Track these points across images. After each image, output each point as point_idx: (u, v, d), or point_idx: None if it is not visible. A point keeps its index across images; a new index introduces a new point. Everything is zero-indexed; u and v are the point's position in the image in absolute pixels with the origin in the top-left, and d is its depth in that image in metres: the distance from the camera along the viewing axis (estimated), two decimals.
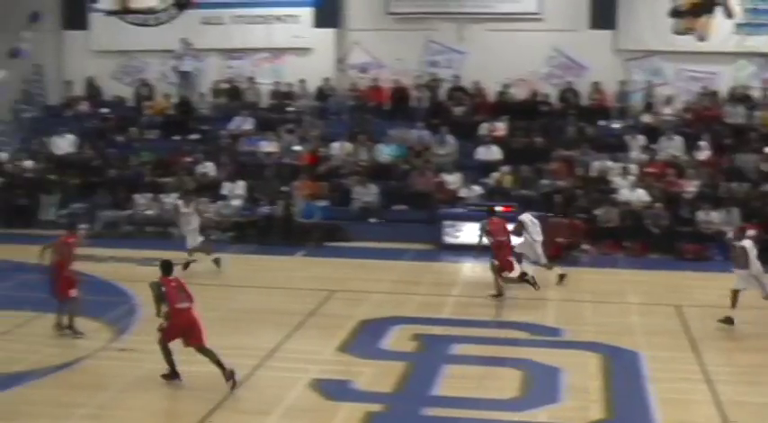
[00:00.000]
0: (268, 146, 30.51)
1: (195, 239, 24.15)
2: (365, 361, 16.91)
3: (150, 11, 31.80)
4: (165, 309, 15.74)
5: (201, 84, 33.86)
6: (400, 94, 32.20)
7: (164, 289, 15.90)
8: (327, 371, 16.43)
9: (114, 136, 32.43)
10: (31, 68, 34.75)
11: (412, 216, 27.76)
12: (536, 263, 22.65)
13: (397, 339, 18.22)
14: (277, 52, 33.57)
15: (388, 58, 32.52)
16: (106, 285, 22.60)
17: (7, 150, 32.71)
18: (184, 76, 33.53)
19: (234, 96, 33.39)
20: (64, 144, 31.97)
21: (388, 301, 21.18)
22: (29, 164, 31.14)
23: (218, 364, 15.47)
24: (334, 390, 15.42)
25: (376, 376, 16.07)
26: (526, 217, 22.68)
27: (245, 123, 31.69)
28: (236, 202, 28.45)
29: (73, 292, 18.70)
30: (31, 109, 34.95)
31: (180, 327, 15.66)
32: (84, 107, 34.07)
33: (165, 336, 15.77)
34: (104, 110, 33.68)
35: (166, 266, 16.40)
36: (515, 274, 21.79)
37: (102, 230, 28.26)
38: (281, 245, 26.45)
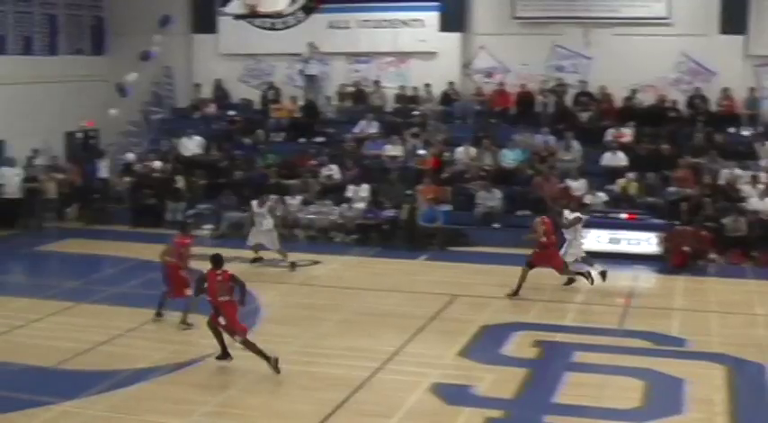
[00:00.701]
0: (392, 149, 30.64)
1: (274, 241, 24.67)
2: (486, 366, 16.91)
3: (278, 15, 32.15)
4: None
5: (327, 87, 34.14)
6: (525, 98, 32.03)
7: (206, 284, 16.77)
8: (448, 375, 16.46)
9: (241, 138, 32.91)
10: (161, 71, 35.52)
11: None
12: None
13: (518, 345, 18.17)
14: (403, 56, 33.69)
15: (514, 62, 32.39)
16: None
17: (136, 151, 33.49)
18: (311, 80, 33.87)
19: (359, 100, 33.63)
20: (191, 145, 32.56)
21: (509, 306, 21.12)
22: (157, 164, 31.79)
23: (224, 348, 16.72)
24: (454, 394, 15.45)
25: (496, 382, 16.06)
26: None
27: (369, 127, 31.88)
28: (360, 206, 28.62)
29: (188, 291, 19.23)
30: (160, 111, 35.73)
31: (230, 316, 16.55)
32: (211, 109, 34.66)
33: (213, 319, 16.73)
34: (231, 112, 34.19)
35: (215, 260, 17.14)
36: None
37: (227, 231, 28.72)
38: (404, 248, 26.55)
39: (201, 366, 16.94)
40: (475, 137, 30.68)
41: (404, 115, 32.52)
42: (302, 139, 32.39)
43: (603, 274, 22.48)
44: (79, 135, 34.98)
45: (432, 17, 33.11)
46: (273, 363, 16.28)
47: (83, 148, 34.91)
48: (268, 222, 24.65)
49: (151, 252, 25.77)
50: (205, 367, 16.90)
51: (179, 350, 17.76)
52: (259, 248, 24.78)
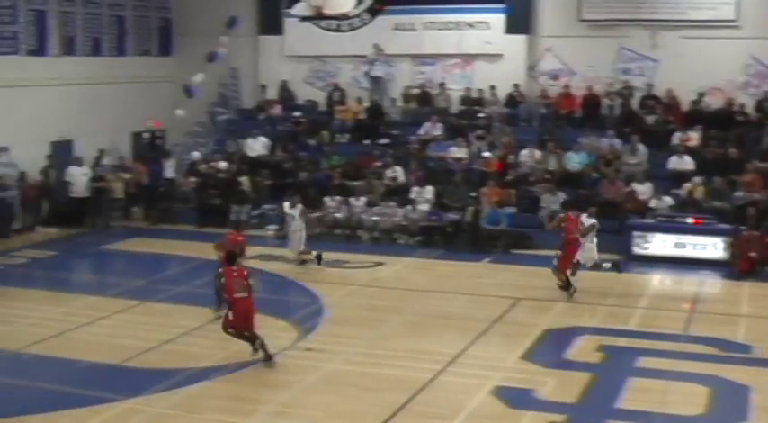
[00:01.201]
0: (457, 151, 30.60)
1: (297, 243, 24.97)
2: (549, 370, 16.84)
3: (344, 16, 32.31)
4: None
5: (392, 89, 34.20)
6: (591, 101, 31.83)
7: (223, 280, 17.08)
8: (510, 379, 16.41)
9: (306, 139, 33.06)
10: (227, 72, 35.79)
11: (601, 225, 27.31)
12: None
13: (581, 349, 18.08)
14: (468, 58, 33.64)
15: (580, 64, 32.21)
16: (294, 285, 23.10)
17: (202, 152, 33.77)
18: (376, 82, 33.95)
19: (424, 102, 33.64)
20: (257, 146, 32.76)
21: (573, 310, 21.00)
22: (223, 165, 32.03)
23: (256, 342, 16.95)
24: (516, 398, 15.41)
25: (559, 386, 16.00)
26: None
27: (434, 129, 31.86)
28: (424, 207, 28.61)
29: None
30: (226, 111, 35.98)
31: (240, 314, 16.83)
32: (277, 111, 34.84)
33: (231, 325, 17.04)
34: (297, 113, 34.34)
35: (229, 257, 17.53)
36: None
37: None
38: (468, 251, 26.51)
39: (265, 366, 17.01)
40: (540, 139, 30.56)
41: (469, 117, 32.47)
42: (367, 141, 32.45)
43: (616, 266, 23.00)
44: (146, 135, 35.36)
45: (497, 19, 33.02)
46: (258, 344, 16.91)
47: (149, 148, 35.28)
48: (297, 224, 24.91)
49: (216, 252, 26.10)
50: (269, 367, 16.98)
51: (242, 349, 17.83)
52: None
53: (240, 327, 17.03)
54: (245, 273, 17.17)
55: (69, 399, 15.43)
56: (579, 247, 22.08)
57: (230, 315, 17.08)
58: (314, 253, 25.04)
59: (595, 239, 22.76)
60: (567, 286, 21.93)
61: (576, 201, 25.68)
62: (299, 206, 25.27)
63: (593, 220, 22.85)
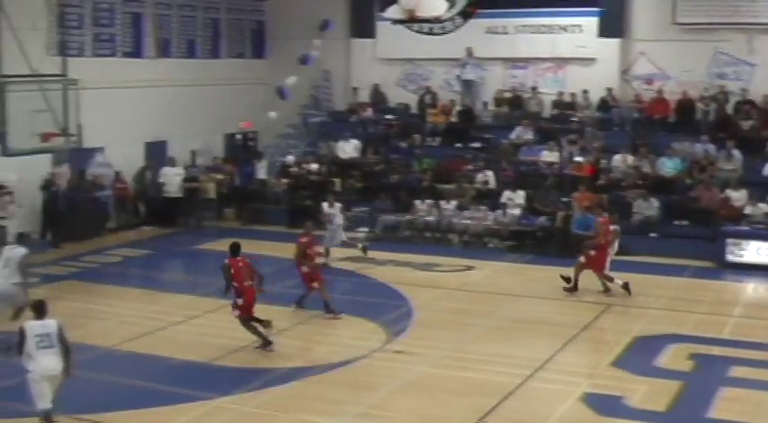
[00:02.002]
0: (549, 156, 30.42)
1: (332, 239, 25.50)
2: (639, 378, 16.66)
3: (436, 20, 32.24)
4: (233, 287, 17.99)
5: (484, 92, 34.13)
6: (685, 106, 31.39)
7: (232, 271, 17.91)
8: (600, 385, 16.28)
9: (397, 142, 33.14)
10: (320, 75, 36.01)
11: (693, 232, 27.02)
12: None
13: (672, 357, 17.86)
14: (561, 62, 33.43)
15: (674, 69, 31.79)
16: (384, 288, 23.16)
17: (294, 153, 34.02)
18: (467, 85, 33.91)
19: (516, 106, 33.50)
20: (348, 148, 32.93)
21: (665, 317, 20.75)
22: (314, 167, 32.24)
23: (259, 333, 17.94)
24: (606, 405, 15.29)
25: (649, 394, 15.83)
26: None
27: (526, 133, 31.72)
28: (515, 211, 28.49)
29: (315, 285, 20.45)
30: (318, 114, 36.20)
31: (250, 302, 17.79)
32: (368, 113, 34.98)
33: (243, 313, 18.00)
34: (388, 116, 34.46)
35: (234, 248, 18.38)
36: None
37: (381, 234, 28.96)
38: (558, 256, 26.33)
39: (354, 367, 17.13)
40: (632, 144, 30.24)
41: (561, 121, 32.28)
42: (458, 144, 32.42)
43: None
44: (238, 136, 35.72)
45: (591, 23, 32.76)
46: (267, 328, 18.00)
47: (242, 149, 35.63)
48: (338, 219, 25.46)
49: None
50: (358, 368, 17.09)
51: (332, 350, 17.99)
52: (349, 245, 25.96)
53: (248, 313, 17.96)
54: (249, 264, 18.20)
55: (160, 396, 15.67)
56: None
57: (239, 302, 17.93)
58: (360, 245, 25.99)
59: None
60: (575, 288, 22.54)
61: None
62: (337, 205, 25.91)
63: (615, 227, 23.06)
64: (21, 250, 18.83)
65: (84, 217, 28.30)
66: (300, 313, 20.33)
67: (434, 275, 24.80)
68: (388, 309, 21.01)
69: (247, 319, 18.10)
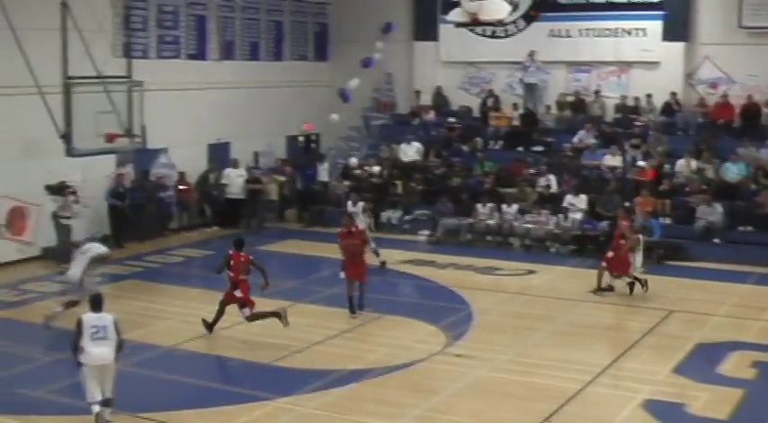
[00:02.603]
0: (611, 160, 30.22)
1: None
2: (701, 385, 16.51)
3: (499, 23, 32.14)
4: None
5: (547, 96, 33.98)
6: (751, 111, 31.00)
7: (232, 262, 18.94)
8: (661, 392, 16.15)
9: (459, 145, 33.10)
10: (382, 77, 36.08)
11: (758, 238, 26.69)
12: None
13: (735, 365, 17.66)
14: (624, 65, 33.18)
15: (740, 73, 31.40)
16: (445, 291, 23.14)
17: (356, 156, 34.11)
18: (530, 88, 33.78)
19: (579, 109, 33.32)
20: (410, 151, 32.94)
21: (728, 324, 20.52)
22: (376, 169, 32.30)
23: (212, 325, 18.96)
24: (666, 412, 15.18)
25: (711, 402, 15.67)
26: None
27: (588, 137, 31.52)
28: (577, 216, 28.34)
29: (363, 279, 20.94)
30: (380, 116, 36.25)
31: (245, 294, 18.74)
32: (431, 116, 34.96)
33: (225, 299, 19.05)
34: (450, 119, 34.39)
35: (238, 243, 19.37)
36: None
37: (442, 237, 28.94)
38: None
39: (414, 370, 17.14)
40: (696, 149, 29.94)
41: (624, 126, 32.04)
42: (520, 148, 32.32)
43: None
44: (301, 139, 35.88)
45: (655, 26, 32.48)
46: (283, 313, 19.07)
47: (304, 151, 35.79)
48: (361, 220, 24.66)
49: (368, 255, 26.27)
50: (418, 371, 17.10)
51: (392, 353, 18.00)
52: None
53: (231, 303, 18.99)
54: (251, 260, 19.19)
55: (221, 396, 15.79)
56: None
57: (237, 293, 18.95)
58: (379, 259, 25.19)
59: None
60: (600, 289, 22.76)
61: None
62: (361, 204, 25.59)
63: (639, 236, 23.26)
64: (101, 248, 19.81)
65: (147, 217, 28.58)
66: (361, 315, 20.37)
67: (495, 279, 24.75)
68: (448, 312, 21.00)
69: (252, 316, 18.98)
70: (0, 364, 17.54)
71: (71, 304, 19.04)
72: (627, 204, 27.10)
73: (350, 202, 26.45)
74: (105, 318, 14.25)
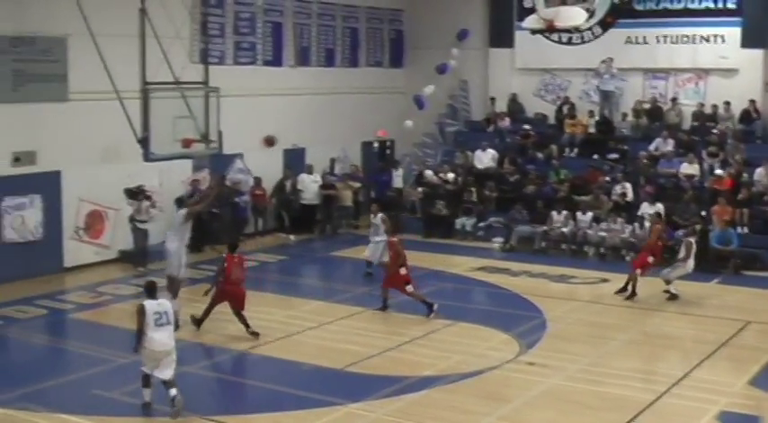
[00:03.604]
0: (688, 168, 29.84)
1: (376, 253, 24.47)
2: None
3: (575, 29, 31.96)
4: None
5: (623, 103, 33.67)
6: None
7: (225, 264, 19.35)
8: (737, 404, 15.90)
9: (534, 152, 32.92)
10: (457, 84, 36.02)
11: None
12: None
13: None
14: (701, 72, 32.80)
15: None
16: (519, 299, 23.01)
17: (430, 162, 34.07)
18: (606, 96, 33.48)
19: (655, 117, 32.98)
20: (485, 158, 32.83)
21: None
22: (450, 176, 32.22)
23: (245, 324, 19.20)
24: None
25: None
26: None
27: (665, 145, 31.17)
28: None
29: (408, 288, 21.01)
30: (454, 123, 36.19)
31: (229, 294, 19.14)
32: (505, 123, 34.84)
33: (216, 298, 19.47)
34: (525, 126, 34.22)
35: (233, 245, 19.94)
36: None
37: (516, 245, 28.80)
38: (696, 270, 25.76)
39: (486, 377, 17.04)
40: None
41: (701, 133, 31.66)
42: (596, 156, 32.06)
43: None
44: (375, 145, 35.94)
45: (733, 32, 32.01)
46: (250, 332, 19.14)
47: (379, 157, 35.84)
48: (379, 230, 24.33)
49: (441, 262, 26.29)
50: (490, 379, 17.00)
51: (464, 360, 17.93)
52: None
53: (221, 302, 19.40)
54: (244, 261, 19.95)
55: (293, 400, 15.82)
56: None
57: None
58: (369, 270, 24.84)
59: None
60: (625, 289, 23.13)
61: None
62: (380, 215, 24.92)
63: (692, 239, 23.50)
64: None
65: (223, 222, 28.78)
66: (433, 322, 20.32)
67: (569, 287, 24.57)
68: (521, 320, 20.87)
69: (213, 304, 19.56)
70: (76, 365, 17.85)
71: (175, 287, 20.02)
72: (703, 213, 26.86)
73: (372, 214, 25.67)
74: (165, 304, 15.17)
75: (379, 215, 24.79)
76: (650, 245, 23.94)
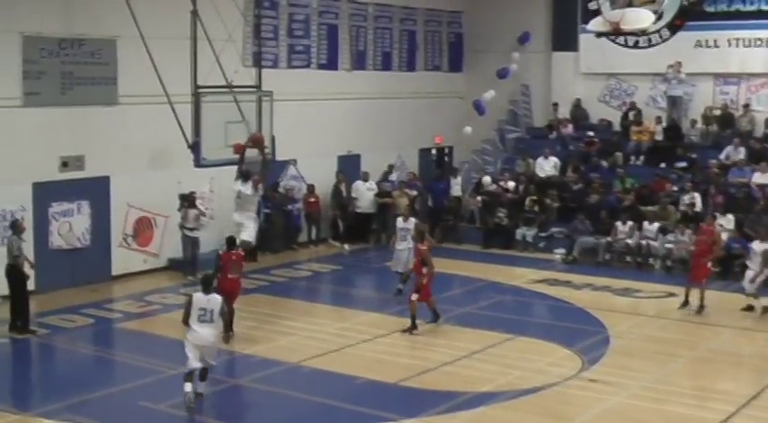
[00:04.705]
0: (761, 177, 29.54)
1: (402, 263, 23.93)
2: None
3: (642, 32, 31.75)
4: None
5: (692, 109, 33.41)
6: None
7: (221, 262, 19.71)
8: None
9: (598, 160, 32.74)
10: (518, 89, 35.93)
11: None
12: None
13: None
14: None
15: None
16: (581, 313, 22.88)
17: (489, 170, 34.00)
18: (674, 101, 33.24)
19: (726, 124, 32.69)
20: (547, 166, 32.71)
21: None
22: (510, 184, 32.13)
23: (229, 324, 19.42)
24: None
25: None
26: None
27: (736, 153, 30.89)
28: (723, 236, 27.70)
29: (413, 296, 20.83)
30: (515, 129, 36.10)
31: (226, 290, 18.46)
32: (569, 130, 34.70)
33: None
34: (590, 133, 34.07)
35: (230, 241, 20.14)
36: None
37: (578, 256, 28.66)
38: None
39: (546, 394, 16.97)
40: None
41: None
42: (663, 164, 31.83)
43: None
44: (433, 152, 35.95)
45: None
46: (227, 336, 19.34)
47: (436, 165, 35.85)
48: (406, 242, 23.75)
49: (501, 274, 26.22)
50: (550, 395, 16.93)
51: (523, 376, 17.87)
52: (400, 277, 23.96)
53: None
54: (241, 257, 20.05)
55: (345, 415, 15.90)
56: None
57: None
58: (400, 286, 23.85)
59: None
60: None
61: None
62: (412, 220, 24.56)
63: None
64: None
65: (276, 230, 28.91)
66: (492, 336, 20.27)
67: (634, 301, 24.39)
68: (583, 335, 20.76)
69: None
70: (123, 376, 18.01)
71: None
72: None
73: (400, 218, 24.94)
74: (214, 302, 15.84)
75: (411, 219, 24.40)
76: (705, 249, 23.41)
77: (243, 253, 20.17)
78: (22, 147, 23.25)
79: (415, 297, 20.85)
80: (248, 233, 20.93)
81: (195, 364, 15.71)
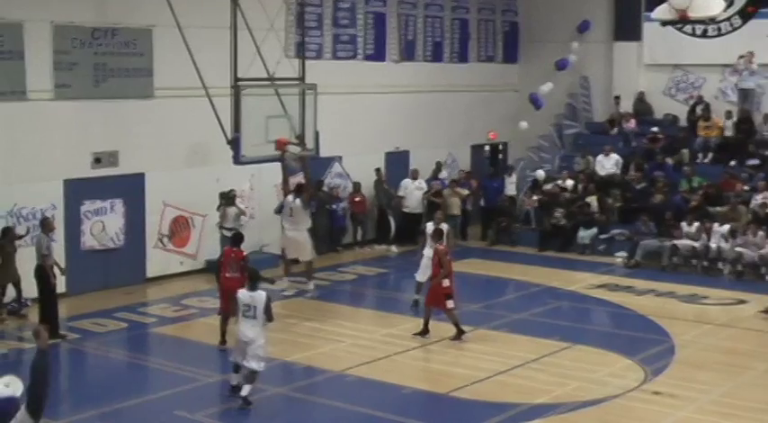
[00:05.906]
0: None
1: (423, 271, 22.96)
2: None
3: (711, 20, 31.55)
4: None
5: (765, 103, 33.14)
6: None
7: (221, 260, 20.39)
8: None
9: (663, 157, 32.57)
10: (578, 81, 35.80)
11: None
12: None
13: None
14: None
15: None
16: (644, 321, 22.75)
17: (546, 168, 33.88)
18: (745, 94, 32.99)
19: None
20: (608, 164, 32.57)
21: None
22: (569, 183, 32.03)
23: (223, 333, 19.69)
24: None
25: None
26: None
27: None
28: None
29: (449, 304, 20.59)
30: (574, 124, 35.96)
31: (224, 289, 19.44)
32: (631, 125, 34.52)
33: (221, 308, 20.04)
34: (654, 129, 33.86)
35: (235, 238, 20.68)
36: None
37: (641, 260, 28.51)
38: None
39: (606, 407, 16.89)
40: None
41: None
42: (733, 162, 31.62)
43: None
44: (486, 148, 35.90)
45: None
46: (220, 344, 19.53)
47: (490, 162, 35.80)
48: (428, 250, 22.90)
49: (558, 278, 26.13)
50: (610, 408, 16.84)
51: (582, 387, 17.80)
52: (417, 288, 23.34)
53: (224, 307, 19.58)
54: (243, 255, 19.99)
55: None
56: None
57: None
58: (416, 297, 23.16)
59: None
60: None
61: None
62: (444, 226, 23.50)
63: None
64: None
65: (320, 230, 28.94)
66: (549, 344, 20.21)
67: (701, 309, 24.26)
68: (647, 344, 20.64)
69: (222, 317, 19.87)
70: (157, 384, 18.14)
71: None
72: None
73: (430, 223, 23.79)
74: (258, 299, 16.28)
75: (443, 225, 23.20)
76: None
77: (244, 254, 20.13)
78: (52, 142, 23.39)
79: (451, 304, 20.64)
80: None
81: (237, 357, 16.39)
